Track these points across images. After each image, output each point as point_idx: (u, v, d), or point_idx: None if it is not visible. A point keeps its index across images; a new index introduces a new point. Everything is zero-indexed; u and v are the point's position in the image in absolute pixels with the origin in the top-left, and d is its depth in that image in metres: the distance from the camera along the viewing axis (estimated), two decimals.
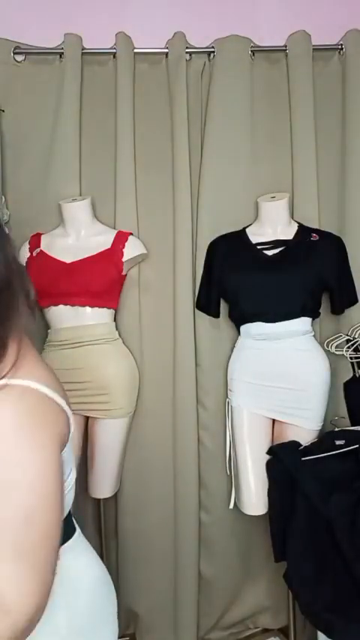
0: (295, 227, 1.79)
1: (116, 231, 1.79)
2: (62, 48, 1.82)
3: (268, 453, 1.71)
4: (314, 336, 1.76)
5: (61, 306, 1.72)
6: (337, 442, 1.64)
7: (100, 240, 1.77)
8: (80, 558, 0.87)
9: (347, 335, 1.80)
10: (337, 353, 1.77)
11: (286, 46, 1.86)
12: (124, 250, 1.75)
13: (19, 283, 0.73)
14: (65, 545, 0.81)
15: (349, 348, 1.75)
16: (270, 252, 1.74)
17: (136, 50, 1.85)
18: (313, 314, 1.75)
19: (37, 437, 0.68)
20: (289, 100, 1.88)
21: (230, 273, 1.75)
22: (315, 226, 1.83)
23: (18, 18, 1.89)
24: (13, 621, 0.63)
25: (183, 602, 1.92)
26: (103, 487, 1.83)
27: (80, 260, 1.72)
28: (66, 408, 0.77)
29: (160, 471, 1.94)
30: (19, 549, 0.64)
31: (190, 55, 1.88)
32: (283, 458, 1.63)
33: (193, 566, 1.91)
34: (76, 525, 0.90)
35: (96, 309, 1.74)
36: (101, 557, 1.88)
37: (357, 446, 1.63)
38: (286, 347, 1.70)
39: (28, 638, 0.70)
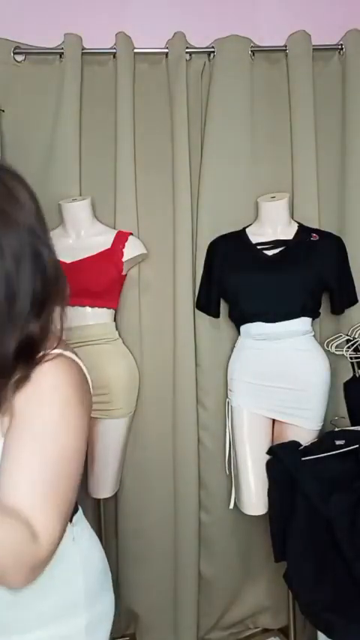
0: (295, 227, 1.79)
1: (116, 231, 1.79)
2: (62, 48, 1.82)
3: (268, 453, 1.71)
4: (314, 336, 1.76)
5: None
6: (337, 442, 1.64)
7: (100, 240, 1.77)
8: (86, 531, 0.96)
9: (347, 335, 1.80)
10: (337, 353, 1.77)
11: (286, 46, 1.86)
12: (124, 250, 1.75)
13: (62, 281, 0.84)
14: (76, 515, 0.92)
15: (349, 348, 1.75)
16: (270, 252, 1.74)
17: (136, 50, 1.85)
18: (313, 314, 1.75)
19: (79, 399, 0.80)
20: (289, 100, 1.88)
21: (230, 273, 1.75)
22: (315, 226, 1.83)
23: (18, 18, 1.89)
24: (37, 547, 0.71)
25: (183, 602, 1.92)
26: (103, 487, 1.83)
27: (80, 260, 1.72)
28: (91, 388, 0.88)
29: (160, 471, 1.94)
30: (51, 489, 0.74)
31: (190, 55, 1.88)
32: (283, 458, 1.63)
33: (193, 566, 1.91)
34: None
35: (96, 309, 1.74)
36: None
37: (357, 446, 1.63)
38: (286, 347, 1.70)
39: (53, 598, 0.84)
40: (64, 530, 0.76)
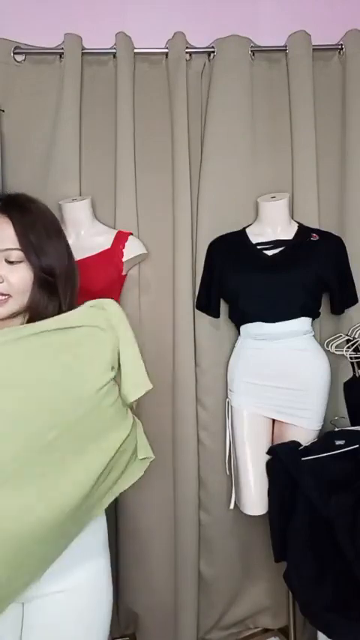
0: (295, 227, 1.79)
1: (116, 231, 1.79)
2: (62, 48, 1.82)
3: (268, 453, 1.71)
4: (314, 336, 1.76)
5: None
6: (337, 442, 1.64)
7: (100, 240, 1.77)
8: None
9: (347, 335, 1.80)
10: (337, 353, 1.77)
11: (286, 46, 1.86)
12: (124, 250, 1.75)
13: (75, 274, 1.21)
14: None
15: (349, 348, 1.75)
16: (270, 252, 1.74)
17: (136, 50, 1.86)
18: (313, 314, 1.75)
19: None
20: (289, 99, 1.88)
21: (230, 273, 1.75)
22: (315, 226, 1.83)
23: (18, 18, 1.89)
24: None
25: (183, 602, 1.92)
26: None
27: (80, 260, 1.71)
28: None
29: (160, 471, 1.94)
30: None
31: (190, 55, 1.88)
32: (283, 458, 1.63)
33: (193, 566, 1.91)
34: None
35: None
36: None
37: (357, 446, 1.63)
38: (286, 347, 1.70)
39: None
40: None
